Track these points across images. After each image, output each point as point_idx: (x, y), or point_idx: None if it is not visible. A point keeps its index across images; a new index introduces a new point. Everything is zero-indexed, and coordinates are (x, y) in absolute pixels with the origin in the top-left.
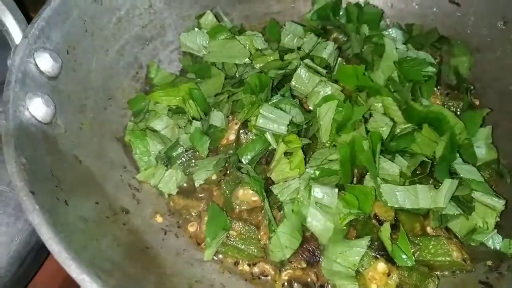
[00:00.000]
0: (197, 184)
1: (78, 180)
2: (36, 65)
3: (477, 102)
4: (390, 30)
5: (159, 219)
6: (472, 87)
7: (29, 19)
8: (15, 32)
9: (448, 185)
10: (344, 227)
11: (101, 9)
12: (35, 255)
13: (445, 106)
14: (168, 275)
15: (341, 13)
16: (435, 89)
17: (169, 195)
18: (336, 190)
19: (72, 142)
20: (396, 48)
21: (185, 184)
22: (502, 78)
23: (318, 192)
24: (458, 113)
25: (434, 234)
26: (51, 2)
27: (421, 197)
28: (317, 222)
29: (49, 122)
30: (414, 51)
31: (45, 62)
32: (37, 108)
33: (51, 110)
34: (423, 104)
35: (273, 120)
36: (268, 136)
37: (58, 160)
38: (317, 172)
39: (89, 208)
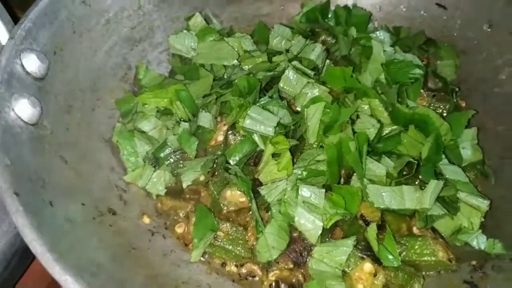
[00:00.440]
0: (184, 185)
1: (64, 181)
2: (22, 66)
3: (463, 104)
4: (378, 32)
5: (146, 220)
6: (457, 89)
7: (16, 19)
8: (2, 33)
9: (433, 186)
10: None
11: (89, 10)
12: (20, 257)
13: (432, 107)
14: (154, 276)
15: (329, 16)
16: (422, 91)
17: (157, 196)
18: (323, 190)
19: (59, 143)
20: (384, 51)
21: (173, 185)
22: (487, 80)
23: (305, 191)
24: (445, 114)
25: (420, 234)
26: (39, 3)
27: (407, 197)
28: (306, 221)
29: (35, 123)
30: (402, 53)
31: (32, 63)
32: (23, 109)
33: (37, 111)
34: (409, 106)
35: (260, 121)
36: (256, 138)
37: (43, 161)
38: (305, 173)
39: (75, 209)
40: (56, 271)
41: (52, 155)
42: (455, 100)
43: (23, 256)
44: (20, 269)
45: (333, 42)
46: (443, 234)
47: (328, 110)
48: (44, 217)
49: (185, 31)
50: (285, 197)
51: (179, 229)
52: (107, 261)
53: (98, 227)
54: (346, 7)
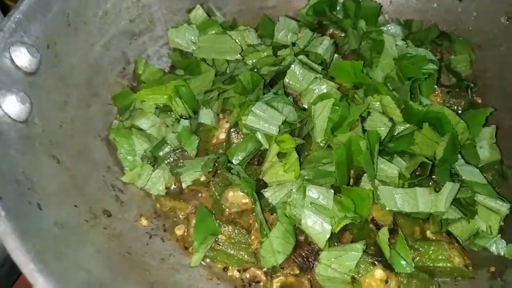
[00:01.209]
0: (184, 186)
1: (55, 182)
2: (11, 60)
3: (479, 101)
4: (388, 26)
5: (144, 222)
6: (473, 85)
7: (7, 10)
8: None
9: (449, 188)
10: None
11: (85, 2)
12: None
13: (446, 104)
14: (151, 283)
15: (338, 8)
16: (436, 87)
17: (156, 196)
18: (332, 190)
19: (51, 141)
20: (396, 45)
21: (173, 185)
22: (505, 75)
23: (313, 191)
24: (460, 112)
25: (434, 238)
26: None
27: (420, 200)
28: (313, 224)
29: (24, 120)
30: (414, 47)
31: (22, 57)
32: (11, 106)
33: (26, 107)
34: (423, 103)
35: (264, 119)
36: (259, 136)
37: (33, 161)
38: (311, 173)
39: (66, 212)
40: (40, 284)
41: (43, 154)
42: (470, 97)
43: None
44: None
45: (342, 35)
46: (458, 239)
47: (337, 108)
48: (30, 222)
49: (185, 24)
50: (290, 199)
51: (178, 231)
52: (99, 268)
53: (91, 231)
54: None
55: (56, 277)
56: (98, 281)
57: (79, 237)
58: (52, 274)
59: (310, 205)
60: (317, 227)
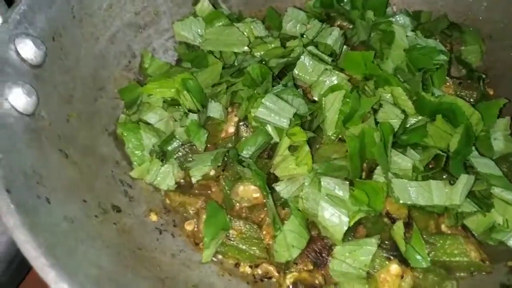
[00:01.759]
0: (194, 180)
1: (63, 176)
2: (17, 52)
3: (491, 92)
4: (397, 16)
5: (153, 217)
6: (484, 76)
7: (10, 2)
8: None
9: (464, 181)
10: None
11: None
12: (22, 258)
13: (458, 96)
14: (162, 279)
15: (345, 0)
16: (447, 78)
17: (166, 191)
18: (347, 182)
19: (58, 135)
20: (406, 36)
21: (182, 180)
22: None
23: (328, 182)
24: (472, 103)
25: (449, 232)
26: None
27: (435, 193)
28: (331, 216)
29: (31, 113)
30: (423, 39)
31: (27, 49)
32: (18, 98)
33: (33, 100)
34: (435, 94)
35: (275, 111)
36: (269, 129)
37: (41, 155)
38: (323, 167)
39: (75, 206)
40: (51, 278)
41: (51, 148)
42: (482, 88)
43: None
44: (21, 272)
45: (350, 27)
46: (474, 232)
47: (348, 100)
48: (39, 216)
49: (191, 17)
50: (303, 192)
51: (188, 227)
52: (109, 263)
53: (101, 226)
54: None
55: (67, 271)
56: (109, 277)
57: (89, 232)
58: (64, 269)
59: (326, 197)
60: (335, 219)
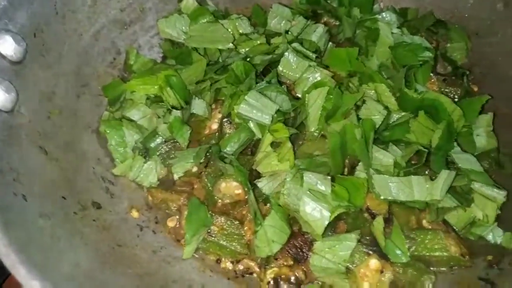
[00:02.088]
0: (176, 177)
1: (42, 173)
2: None
3: (476, 89)
4: (383, 13)
5: (135, 214)
6: (468, 73)
7: None
8: None
9: (445, 177)
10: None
11: None
12: None
13: (442, 92)
14: (140, 275)
15: None
16: (432, 75)
17: (148, 188)
18: (329, 177)
19: (38, 132)
20: (391, 33)
21: (164, 177)
22: (502, 63)
23: (310, 177)
24: (456, 99)
25: (430, 227)
26: None
27: (416, 189)
28: (312, 211)
29: (10, 110)
30: (409, 36)
31: (7, 46)
32: None
33: (12, 97)
34: (418, 90)
35: (257, 108)
36: (252, 125)
37: (18, 151)
38: (306, 163)
39: (53, 203)
40: (22, 275)
41: (30, 145)
42: (466, 85)
43: None
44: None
45: (336, 24)
46: (455, 227)
47: (331, 96)
48: (14, 213)
49: (175, 14)
50: (284, 188)
51: (170, 223)
52: (86, 260)
53: (80, 223)
54: None
55: (40, 268)
56: (85, 274)
57: (67, 229)
58: (36, 266)
59: (308, 192)
60: (316, 213)
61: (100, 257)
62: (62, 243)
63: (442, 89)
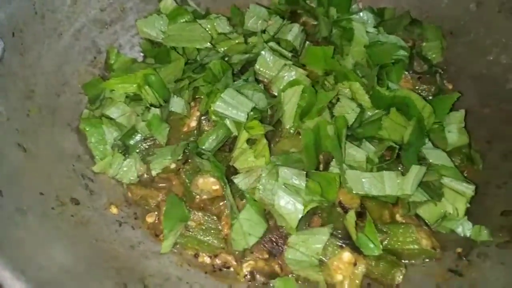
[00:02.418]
0: (154, 174)
1: (20, 169)
2: None
3: (450, 86)
4: (361, 13)
5: (114, 210)
6: (441, 71)
7: None
8: None
9: (415, 172)
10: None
11: None
12: None
13: (417, 90)
14: (118, 269)
15: None
16: (407, 73)
17: (128, 184)
18: (304, 172)
19: (16, 130)
20: (367, 32)
21: (144, 173)
22: (475, 61)
23: (286, 172)
24: (430, 97)
25: (403, 221)
26: None
27: (387, 183)
28: (286, 204)
29: None
30: (385, 35)
31: None
32: None
33: None
34: (391, 88)
35: (233, 106)
36: (228, 123)
37: None
38: (281, 159)
39: (30, 199)
40: None
41: (8, 142)
42: (439, 83)
43: None
44: None
45: (315, 23)
46: (427, 221)
47: (306, 94)
48: None
49: (155, 14)
50: (260, 183)
51: (149, 219)
52: (63, 254)
53: (57, 218)
54: None
55: (14, 262)
56: (61, 267)
57: (43, 223)
58: (10, 260)
59: (283, 186)
60: (290, 206)
61: (76, 251)
62: (38, 238)
63: (417, 87)
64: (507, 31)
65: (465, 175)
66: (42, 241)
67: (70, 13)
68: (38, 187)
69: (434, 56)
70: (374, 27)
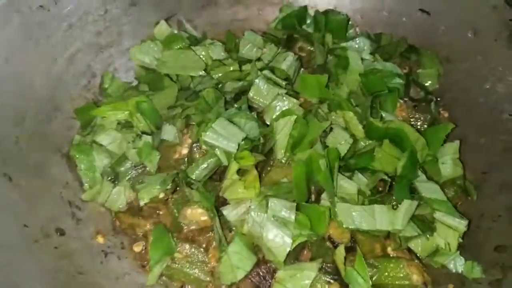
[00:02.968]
0: (141, 203)
1: (3, 200)
2: None
3: (446, 115)
4: (356, 39)
5: (100, 239)
6: (435, 100)
7: None
8: None
9: (406, 206)
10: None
11: (48, 15)
12: None
13: (412, 118)
14: None
15: (308, 22)
16: (402, 101)
17: (116, 213)
18: (294, 204)
19: (3, 158)
20: (362, 59)
21: (133, 201)
22: (471, 89)
23: (275, 204)
24: (426, 126)
25: (395, 255)
26: None
27: (378, 218)
28: (274, 237)
29: None
30: (382, 62)
31: None
32: None
33: None
34: (385, 118)
35: (224, 136)
36: (218, 152)
37: None
38: (272, 190)
39: (12, 232)
40: None
41: None
42: (433, 111)
43: None
44: None
45: (311, 49)
46: (419, 255)
47: (298, 124)
48: None
49: (149, 41)
50: (248, 215)
51: (136, 248)
52: None
53: (39, 251)
54: (325, 12)
55: None
56: None
57: (23, 257)
58: None
59: (272, 218)
60: (278, 239)
61: (58, 286)
62: (17, 272)
63: (412, 116)
64: (504, 60)
65: (459, 206)
66: (20, 276)
67: (66, 38)
68: (22, 218)
69: (430, 82)
70: (371, 53)
